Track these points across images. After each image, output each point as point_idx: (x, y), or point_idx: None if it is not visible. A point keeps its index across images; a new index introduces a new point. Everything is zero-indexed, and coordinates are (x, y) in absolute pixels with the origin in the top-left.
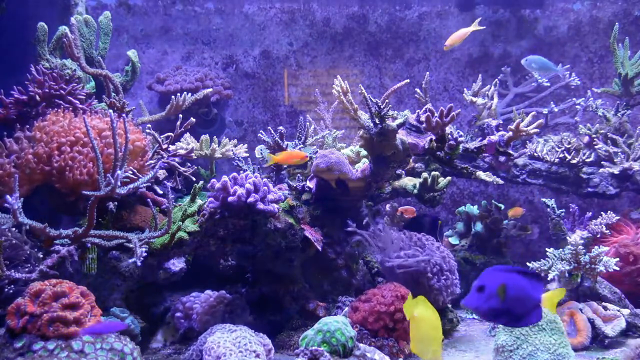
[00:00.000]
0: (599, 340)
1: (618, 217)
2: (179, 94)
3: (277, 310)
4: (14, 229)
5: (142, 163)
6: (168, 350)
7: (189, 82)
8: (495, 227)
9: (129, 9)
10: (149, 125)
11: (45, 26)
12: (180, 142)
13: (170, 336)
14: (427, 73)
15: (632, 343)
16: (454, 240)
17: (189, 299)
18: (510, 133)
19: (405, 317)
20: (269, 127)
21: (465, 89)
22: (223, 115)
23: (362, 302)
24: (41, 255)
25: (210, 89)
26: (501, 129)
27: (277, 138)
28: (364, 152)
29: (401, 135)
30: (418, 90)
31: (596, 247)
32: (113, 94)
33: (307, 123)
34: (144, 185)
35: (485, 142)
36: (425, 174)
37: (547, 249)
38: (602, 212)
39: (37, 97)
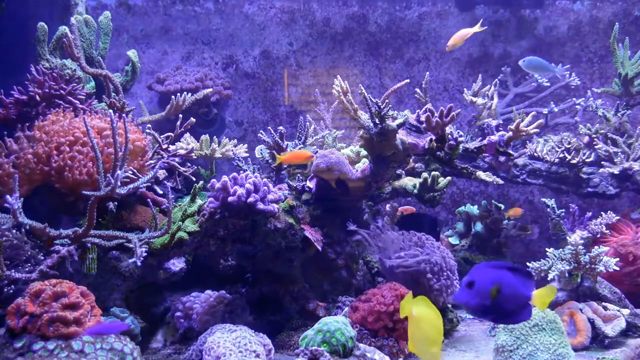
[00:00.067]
0: (599, 340)
1: (618, 217)
2: (179, 94)
3: (277, 310)
4: (14, 230)
5: (142, 163)
6: (168, 350)
7: (189, 82)
8: (495, 227)
9: (129, 9)
10: (149, 125)
11: (45, 26)
12: (180, 142)
13: (170, 336)
14: (427, 73)
15: (632, 343)
16: (454, 240)
17: (189, 299)
18: (510, 133)
19: (406, 316)
20: (269, 127)
21: (465, 89)
22: (223, 115)
23: (362, 302)
24: (41, 256)
25: (210, 89)
26: (501, 129)
27: (277, 138)
28: (364, 152)
29: (401, 135)
30: (418, 90)
31: (596, 247)
32: (113, 94)
33: (307, 123)
34: (144, 185)
35: (485, 142)
36: (425, 174)
37: (547, 249)
38: (602, 212)
39: (37, 97)
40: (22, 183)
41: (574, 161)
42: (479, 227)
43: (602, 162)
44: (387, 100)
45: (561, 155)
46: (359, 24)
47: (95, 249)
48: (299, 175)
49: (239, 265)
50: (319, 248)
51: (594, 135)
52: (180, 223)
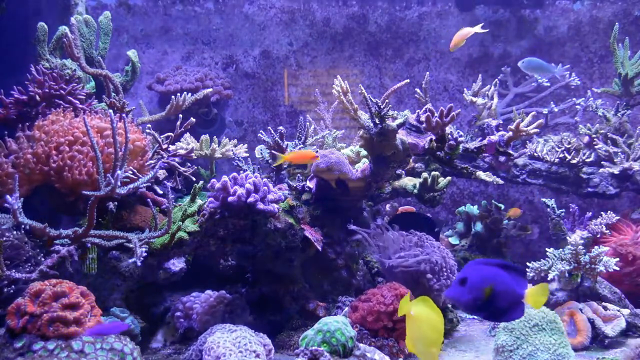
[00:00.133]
0: (599, 340)
1: (618, 217)
2: (179, 94)
3: (277, 310)
4: (15, 232)
5: (142, 163)
6: (168, 350)
7: (189, 82)
8: (495, 227)
9: (129, 9)
10: (149, 125)
11: (45, 26)
12: (180, 142)
13: (170, 336)
14: (427, 73)
15: (632, 343)
16: (454, 240)
17: (189, 298)
18: (510, 133)
19: (405, 316)
20: (269, 127)
21: (465, 89)
22: (223, 115)
23: (362, 302)
24: (41, 257)
25: (210, 89)
26: (501, 129)
27: (277, 138)
28: (364, 152)
29: (401, 135)
30: (418, 90)
31: (596, 247)
32: (113, 94)
33: (307, 123)
34: (144, 185)
35: (485, 142)
36: (425, 174)
37: (547, 249)
38: (602, 212)
39: (37, 97)
40: (22, 183)
41: (574, 161)
42: (479, 227)
43: (602, 162)
44: (387, 100)
45: (561, 155)
46: (359, 24)
47: (95, 249)
48: (299, 175)
49: (239, 265)
50: (319, 248)
51: (594, 135)
52: (180, 223)
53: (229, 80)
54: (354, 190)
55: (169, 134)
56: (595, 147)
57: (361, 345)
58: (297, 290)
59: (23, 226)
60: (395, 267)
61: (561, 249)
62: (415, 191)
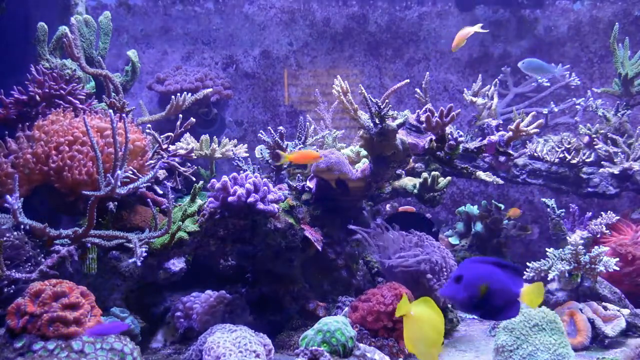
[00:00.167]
0: (599, 340)
1: (618, 217)
2: (179, 94)
3: (277, 310)
4: (16, 232)
5: (142, 163)
6: (168, 350)
7: (189, 82)
8: (495, 227)
9: (129, 9)
10: (149, 125)
11: (45, 26)
12: (180, 142)
13: (170, 336)
14: (427, 73)
15: (632, 343)
16: (454, 240)
17: (189, 299)
18: (510, 133)
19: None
20: (269, 127)
21: (465, 89)
22: (223, 115)
23: (362, 302)
24: (42, 256)
25: (210, 89)
26: (501, 129)
27: (277, 138)
28: (364, 152)
29: (401, 135)
30: (418, 90)
31: (596, 247)
32: (113, 94)
33: (307, 123)
34: (144, 185)
35: (485, 142)
36: (425, 174)
37: (547, 249)
38: (602, 212)
39: (37, 97)
40: (22, 183)
41: (574, 161)
42: (479, 227)
43: (602, 162)
44: (387, 100)
45: (561, 155)
46: (359, 24)
47: (95, 249)
48: (299, 175)
49: (239, 265)
50: (319, 248)
51: (594, 135)
52: (180, 223)
53: (229, 80)
54: (354, 190)
55: (169, 134)
56: (595, 147)
57: (361, 345)
58: (297, 290)
59: (23, 226)
60: (395, 267)
61: (561, 249)
62: (415, 191)
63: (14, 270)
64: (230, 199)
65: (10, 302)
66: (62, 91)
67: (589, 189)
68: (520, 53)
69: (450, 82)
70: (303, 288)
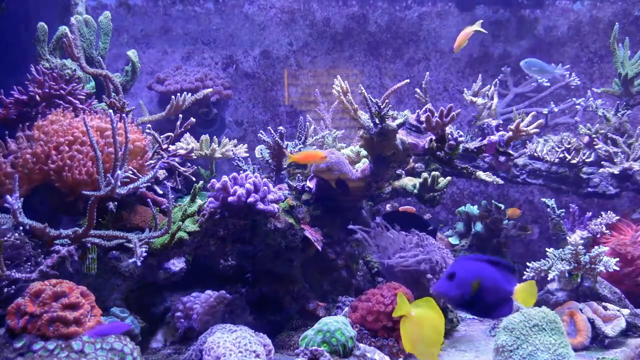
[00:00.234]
0: (599, 340)
1: (618, 217)
2: (179, 94)
3: (277, 310)
4: (17, 233)
5: (142, 163)
6: (168, 350)
7: (189, 82)
8: (495, 227)
9: (129, 9)
10: (149, 125)
11: (45, 26)
12: (180, 142)
13: (170, 336)
14: (427, 73)
15: (632, 343)
16: (454, 240)
17: (189, 299)
18: (510, 133)
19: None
20: (269, 127)
21: (465, 89)
22: (223, 115)
23: (362, 302)
24: (42, 256)
25: (210, 89)
26: (501, 129)
27: (277, 138)
28: (364, 152)
29: (401, 135)
30: (418, 90)
31: (596, 247)
32: (113, 94)
33: (307, 123)
34: (144, 185)
35: (485, 142)
36: (425, 174)
37: (547, 249)
38: (602, 212)
39: (37, 97)
40: (22, 183)
41: (574, 161)
42: (479, 227)
43: (602, 162)
44: (387, 100)
45: (561, 155)
46: (359, 24)
47: (95, 249)
48: (299, 175)
49: (239, 265)
50: (319, 248)
51: (594, 135)
52: (180, 223)
53: (229, 80)
54: (354, 190)
55: (169, 134)
56: (595, 147)
57: (361, 345)
58: (297, 290)
59: (23, 226)
60: (395, 267)
61: (561, 249)
62: (415, 191)
63: (14, 270)
64: (230, 199)
65: (10, 302)
66: (62, 91)
67: (589, 189)
68: (520, 53)
69: (450, 82)
70: (303, 288)
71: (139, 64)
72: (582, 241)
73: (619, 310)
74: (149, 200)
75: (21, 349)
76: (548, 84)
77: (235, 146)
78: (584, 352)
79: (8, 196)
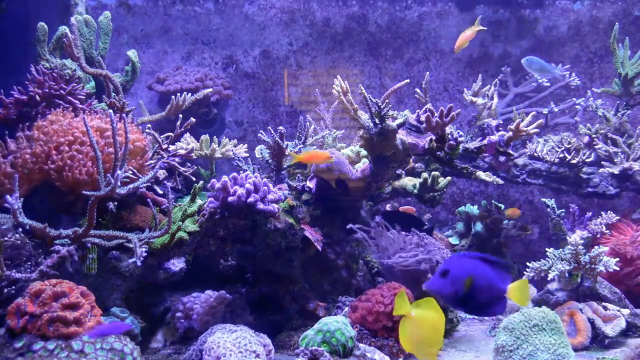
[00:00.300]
0: (599, 340)
1: (618, 217)
2: (179, 94)
3: (277, 310)
4: (17, 234)
5: (142, 163)
6: (168, 350)
7: (189, 82)
8: (495, 227)
9: (129, 9)
10: (149, 125)
11: (45, 26)
12: (180, 142)
13: (170, 336)
14: (427, 73)
15: (632, 343)
16: (454, 240)
17: (190, 299)
18: (510, 133)
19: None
20: (269, 127)
21: (465, 89)
22: (223, 115)
23: (362, 302)
24: (42, 256)
25: (210, 89)
26: (501, 129)
27: (277, 138)
28: (364, 152)
29: (401, 135)
30: (418, 90)
31: (596, 247)
32: (113, 94)
33: (307, 123)
34: (144, 185)
35: (485, 142)
36: (425, 174)
37: (547, 249)
38: (602, 212)
39: (37, 97)
40: (21, 183)
41: (574, 161)
42: (479, 227)
43: (602, 162)
44: (387, 100)
45: (561, 155)
46: (359, 24)
47: (95, 249)
48: (299, 175)
49: (239, 265)
50: (319, 248)
51: (594, 135)
52: (180, 223)
53: (229, 80)
54: (354, 190)
55: (169, 134)
56: (595, 147)
57: (361, 345)
58: (297, 290)
59: (23, 226)
60: (395, 266)
61: (561, 249)
62: (415, 191)
63: (14, 271)
64: (230, 199)
65: (10, 302)
66: (62, 91)
67: (589, 189)
68: (520, 53)
69: (450, 82)
70: (303, 288)
71: (139, 64)
72: (582, 241)
73: (619, 310)
74: (149, 200)
75: (21, 349)
76: (548, 84)
77: (235, 146)
78: (584, 352)
79: (8, 196)
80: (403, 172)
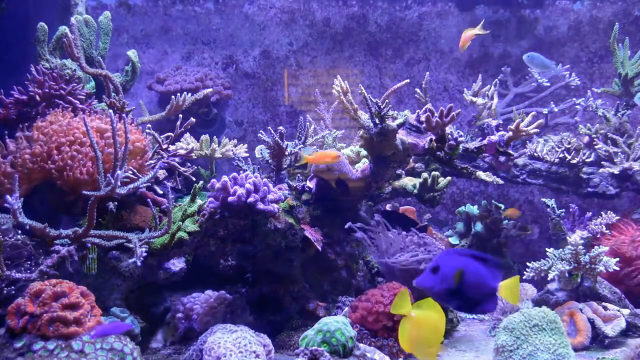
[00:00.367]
0: (599, 340)
1: (618, 217)
2: (179, 94)
3: (277, 310)
4: (18, 235)
5: (141, 163)
6: (168, 350)
7: (189, 82)
8: (495, 227)
9: (129, 9)
10: (149, 125)
11: (45, 26)
12: (180, 142)
13: (170, 336)
14: (427, 73)
15: (632, 343)
16: (454, 240)
17: (190, 299)
18: (510, 133)
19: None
20: (269, 127)
21: (465, 89)
22: (223, 115)
23: (362, 302)
24: (42, 256)
25: (210, 89)
26: (501, 129)
27: (277, 138)
28: (364, 152)
29: (401, 135)
30: (418, 90)
31: (596, 246)
32: (113, 94)
33: (307, 123)
34: (144, 185)
35: (485, 142)
36: (425, 174)
37: (547, 249)
38: (602, 212)
39: (37, 97)
40: (21, 182)
41: (574, 161)
42: (479, 227)
43: (602, 162)
44: (387, 100)
45: (561, 155)
46: (359, 24)
47: (95, 249)
48: (299, 175)
49: (239, 265)
50: (319, 248)
51: (594, 135)
52: (180, 223)
53: (229, 80)
54: (354, 190)
55: (169, 134)
56: (595, 147)
57: (361, 345)
58: (297, 290)
59: (23, 226)
60: (395, 266)
61: (561, 249)
62: (415, 191)
63: (14, 270)
64: (230, 199)
65: (10, 302)
66: (62, 91)
67: (589, 189)
68: (520, 53)
69: (450, 82)
70: (303, 288)
71: (139, 64)
72: (582, 241)
73: (619, 310)
74: (149, 200)
75: (21, 349)
76: (548, 84)
77: (235, 146)
78: (584, 352)
79: (8, 196)
80: (403, 172)
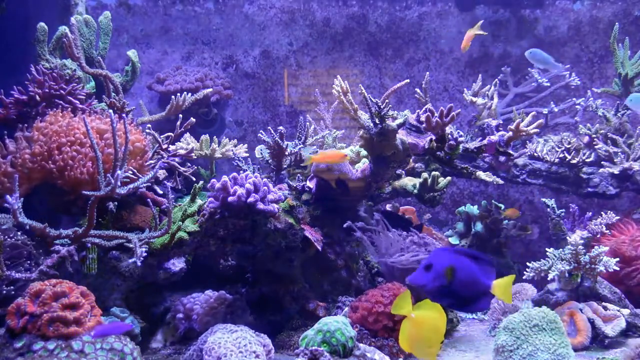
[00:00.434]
0: (599, 340)
1: (618, 217)
2: (179, 94)
3: (277, 310)
4: (19, 235)
5: (141, 163)
6: (168, 350)
7: (189, 82)
8: (495, 227)
9: (129, 9)
10: (149, 125)
11: (45, 26)
12: (180, 142)
13: (170, 336)
14: (427, 73)
15: (632, 343)
16: (454, 240)
17: (190, 300)
18: (510, 133)
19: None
20: (269, 127)
21: (465, 89)
22: (223, 115)
23: (362, 302)
24: (42, 257)
25: (210, 89)
26: (501, 129)
27: (277, 138)
28: (364, 152)
29: (401, 135)
30: (418, 90)
31: (596, 246)
32: (113, 94)
33: (307, 123)
34: (144, 185)
35: (485, 142)
36: (425, 174)
37: (547, 249)
38: (602, 212)
39: (37, 97)
40: (21, 182)
41: (574, 161)
42: (479, 227)
43: (602, 162)
44: (387, 100)
45: (561, 155)
46: (359, 24)
47: (95, 249)
48: (299, 175)
49: (239, 265)
50: (319, 248)
51: (594, 135)
52: (180, 223)
53: (229, 80)
54: (354, 190)
55: (169, 134)
56: (595, 147)
57: (361, 345)
58: (297, 290)
59: (23, 226)
60: (395, 266)
61: (561, 249)
62: (415, 191)
63: (14, 271)
64: (230, 199)
65: (10, 302)
66: (62, 91)
67: (589, 189)
68: (520, 53)
69: (450, 82)
70: (303, 288)
71: (139, 64)
72: (582, 241)
73: (619, 310)
74: (149, 200)
75: (21, 349)
76: (548, 84)
77: (235, 146)
78: (584, 352)
79: (8, 196)
80: (403, 172)
